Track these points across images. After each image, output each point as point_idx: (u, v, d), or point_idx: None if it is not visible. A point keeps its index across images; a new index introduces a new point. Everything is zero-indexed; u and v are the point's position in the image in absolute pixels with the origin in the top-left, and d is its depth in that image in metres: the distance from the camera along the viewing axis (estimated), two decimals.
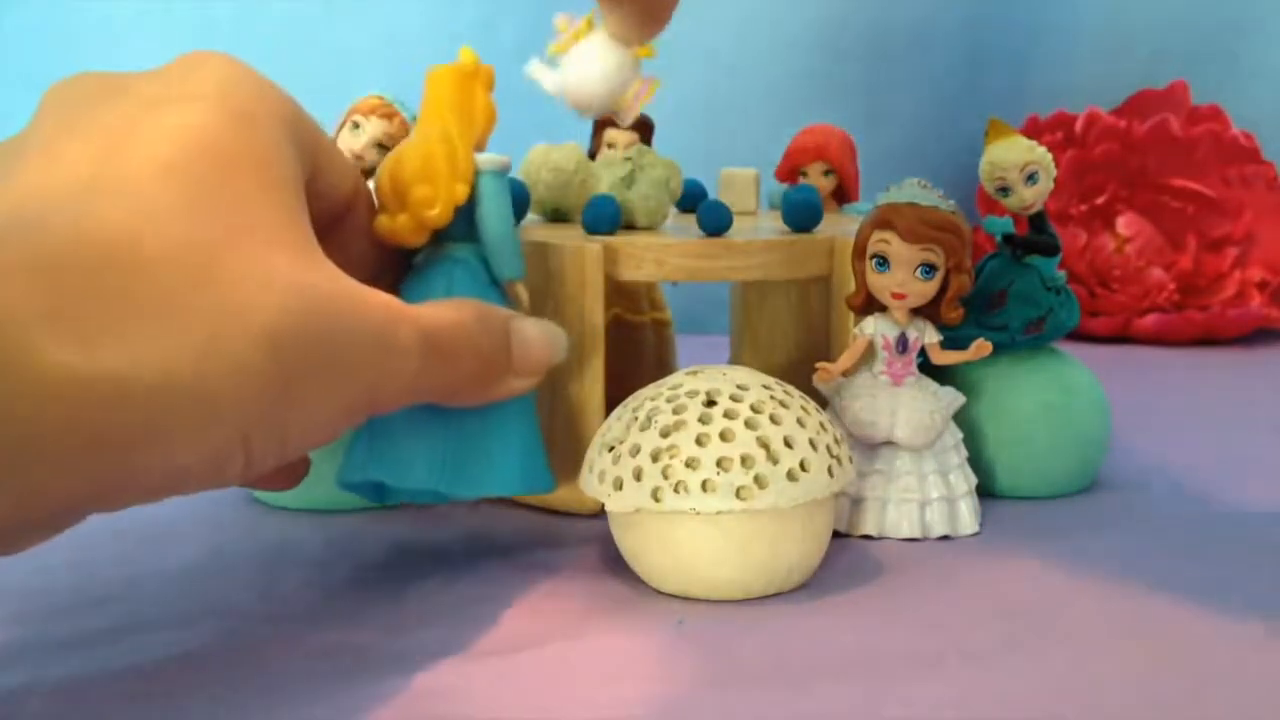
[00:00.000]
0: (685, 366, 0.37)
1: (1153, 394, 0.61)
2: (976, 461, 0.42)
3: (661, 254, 0.40)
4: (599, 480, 0.34)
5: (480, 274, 0.36)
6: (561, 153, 0.45)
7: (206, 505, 0.42)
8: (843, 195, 0.54)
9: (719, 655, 0.30)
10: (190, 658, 0.30)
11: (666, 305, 0.53)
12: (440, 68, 0.36)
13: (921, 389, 0.39)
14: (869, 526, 0.39)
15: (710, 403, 0.33)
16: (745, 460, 0.32)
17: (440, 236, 0.36)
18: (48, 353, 0.22)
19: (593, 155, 0.50)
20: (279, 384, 0.26)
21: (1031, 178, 0.41)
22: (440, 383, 0.32)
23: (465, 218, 0.36)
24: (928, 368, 0.40)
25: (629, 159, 0.43)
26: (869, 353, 0.40)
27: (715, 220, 0.41)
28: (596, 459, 0.34)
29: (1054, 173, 0.42)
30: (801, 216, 0.43)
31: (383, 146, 0.42)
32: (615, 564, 0.36)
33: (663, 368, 0.52)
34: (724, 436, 0.33)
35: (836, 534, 0.37)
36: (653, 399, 0.34)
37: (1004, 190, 0.42)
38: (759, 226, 0.45)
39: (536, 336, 0.35)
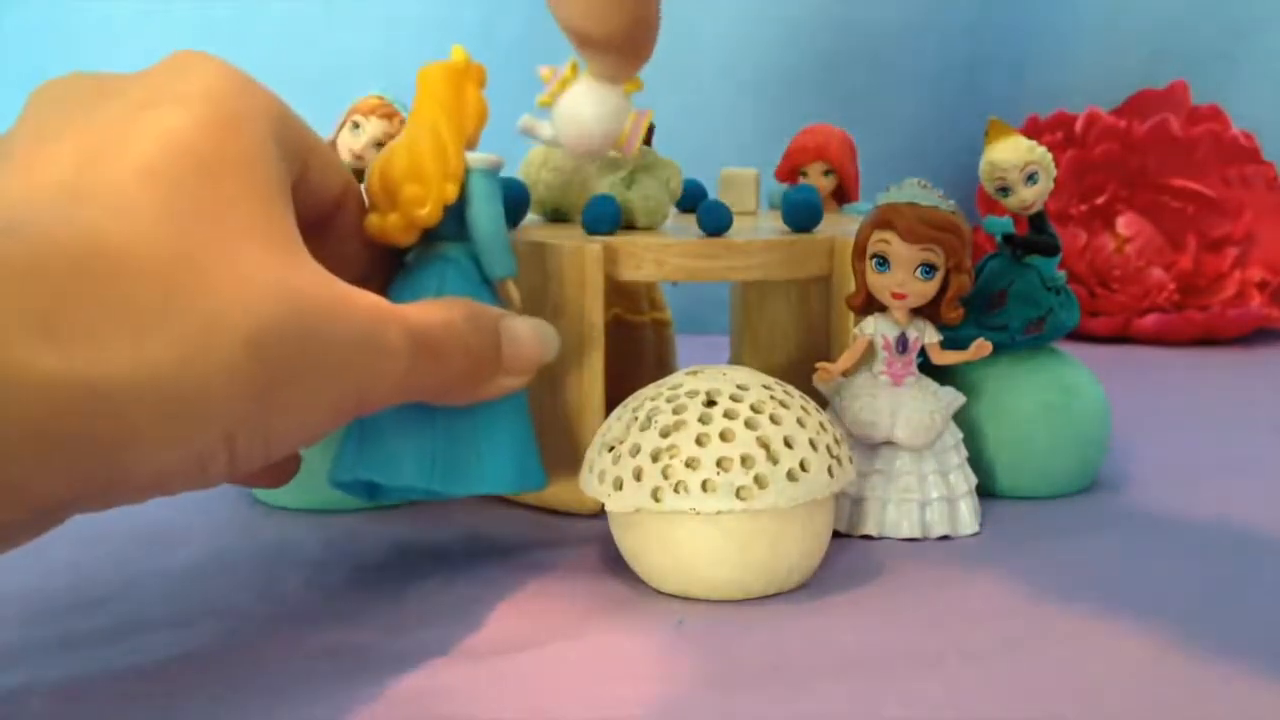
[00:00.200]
0: (685, 366, 0.37)
1: (1153, 394, 0.61)
2: (976, 461, 0.42)
3: (661, 254, 0.40)
4: (599, 480, 0.34)
5: (471, 273, 0.36)
6: (561, 153, 0.45)
7: (206, 505, 0.43)
8: (843, 195, 0.54)
9: (719, 655, 0.30)
10: (190, 658, 0.30)
11: (666, 305, 0.53)
12: (432, 65, 0.35)
13: (921, 389, 0.39)
14: (869, 526, 0.39)
15: (710, 403, 0.33)
16: (745, 460, 0.32)
17: (431, 235, 0.36)
18: (22, 355, 0.22)
19: None
20: (263, 385, 0.26)
21: (1031, 178, 0.41)
22: (430, 382, 0.32)
23: (456, 217, 0.35)
24: (928, 368, 0.40)
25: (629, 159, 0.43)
26: (869, 353, 0.40)
27: (715, 220, 0.41)
28: (596, 459, 0.34)
29: (1054, 173, 0.42)
30: (801, 216, 0.43)
31: (383, 146, 0.42)
32: (615, 564, 0.36)
33: (663, 368, 0.52)
34: (724, 436, 0.33)
35: (836, 534, 0.37)
36: (653, 399, 0.34)
37: (1004, 190, 0.42)
38: (759, 226, 0.45)
39: (527, 335, 0.35)
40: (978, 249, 0.40)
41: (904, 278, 0.38)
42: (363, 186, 0.36)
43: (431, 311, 0.32)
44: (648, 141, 0.50)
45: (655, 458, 0.33)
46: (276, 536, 0.39)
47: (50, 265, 0.23)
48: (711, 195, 0.49)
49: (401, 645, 0.31)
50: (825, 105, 0.79)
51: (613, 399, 0.38)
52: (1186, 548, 0.38)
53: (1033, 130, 0.81)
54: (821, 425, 0.34)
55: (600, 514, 0.39)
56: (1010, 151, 0.41)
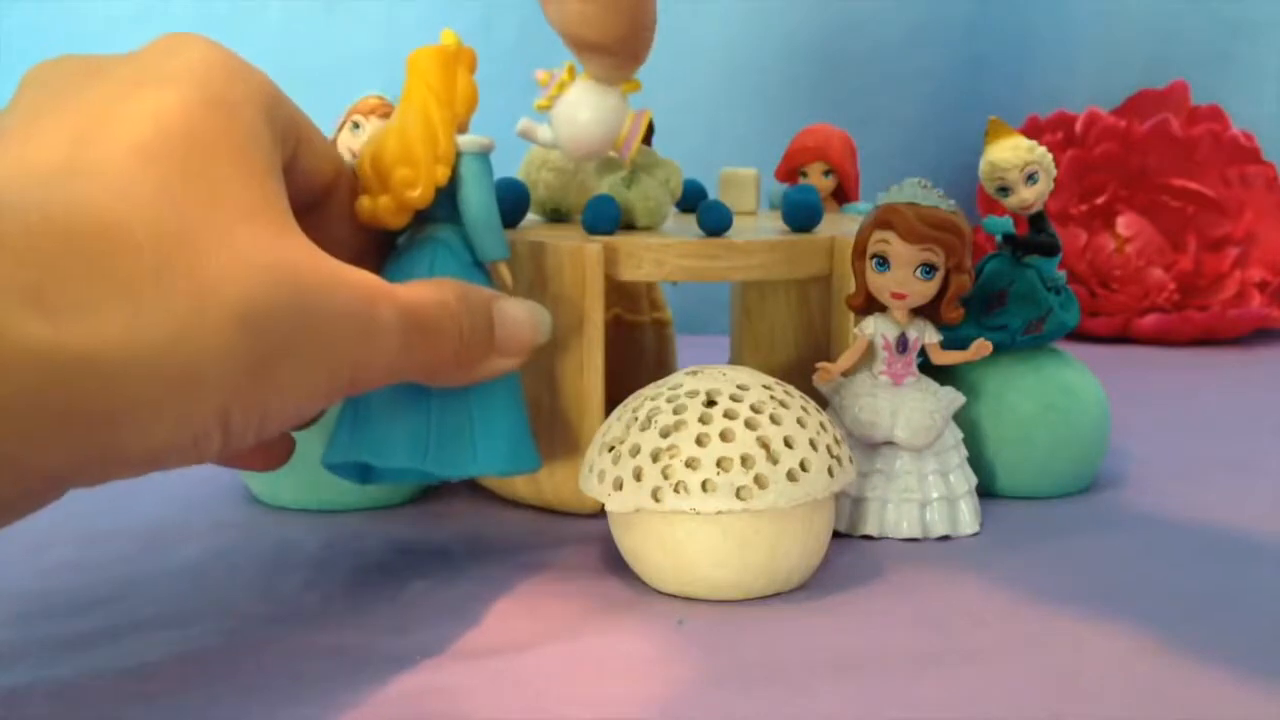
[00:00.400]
0: (685, 366, 0.37)
1: (1153, 394, 0.61)
2: (976, 461, 0.42)
3: (661, 254, 0.40)
4: (599, 480, 0.34)
5: (463, 255, 0.36)
6: (560, 153, 0.45)
7: (206, 505, 0.43)
8: (843, 195, 0.54)
9: (719, 655, 0.30)
10: (190, 658, 0.30)
11: (666, 305, 0.53)
12: (422, 49, 0.35)
13: (922, 389, 0.39)
14: (869, 526, 0.39)
15: (710, 403, 0.33)
16: (745, 460, 0.32)
17: (422, 218, 0.36)
18: (15, 325, 0.22)
19: None
20: (256, 361, 0.26)
21: (1031, 178, 0.41)
22: (422, 361, 0.32)
23: (447, 199, 0.35)
24: (928, 368, 0.40)
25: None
26: (869, 353, 0.40)
27: (715, 220, 0.41)
28: (596, 459, 0.34)
29: (1054, 173, 0.42)
30: (801, 216, 0.43)
31: None
32: (615, 564, 0.36)
33: (663, 368, 0.52)
34: (724, 436, 0.33)
35: (836, 534, 0.37)
36: (653, 399, 0.34)
37: (1004, 190, 0.42)
38: (759, 226, 0.45)
39: (520, 316, 0.35)
40: (978, 249, 0.40)
41: (904, 278, 0.38)
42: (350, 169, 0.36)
43: (424, 291, 0.32)
44: (647, 141, 0.50)
45: (655, 458, 0.33)
46: (276, 536, 0.39)
47: (44, 238, 0.23)
48: (711, 195, 0.49)
49: (401, 645, 0.31)
50: (825, 105, 0.79)
51: (613, 399, 0.38)
52: (1186, 548, 0.38)
53: (1033, 130, 0.81)
54: (822, 425, 0.34)
55: (600, 514, 0.39)
56: (1010, 151, 0.41)
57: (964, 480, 0.40)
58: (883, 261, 0.38)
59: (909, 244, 0.37)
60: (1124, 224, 0.79)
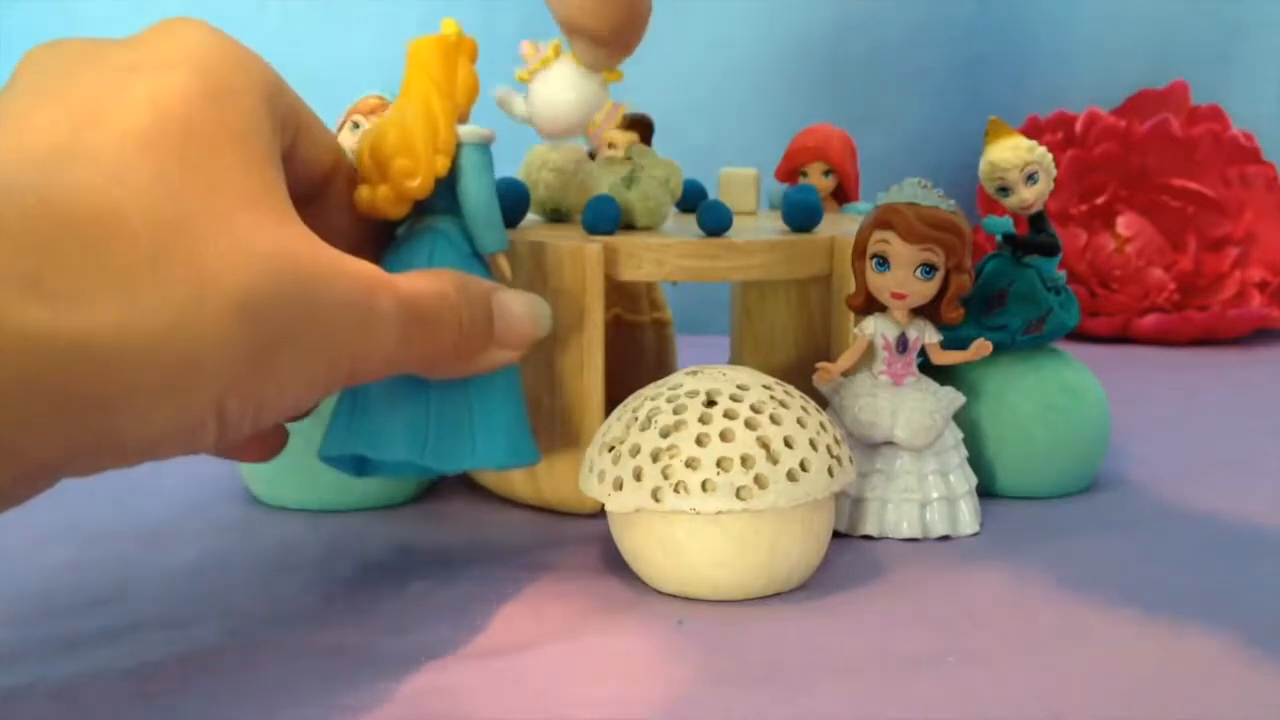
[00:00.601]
0: (685, 366, 0.37)
1: (1153, 394, 0.61)
2: (976, 461, 0.42)
3: (661, 254, 0.40)
4: (599, 480, 0.34)
5: (462, 246, 0.36)
6: (561, 153, 0.45)
7: (206, 505, 0.43)
8: (843, 195, 0.54)
9: (719, 655, 0.30)
10: (190, 658, 0.30)
11: (666, 305, 0.53)
12: (422, 39, 0.35)
13: (922, 389, 0.39)
14: (869, 526, 0.39)
15: (710, 403, 0.33)
16: (745, 460, 0.32)
17: (421, 209, 0.35)
18: (12, 311, 0.22)
19: (593, 155, 0.50)
20: (253, 350, 0.26)
21: (1031, 178, 0.41)
22: (422, 352, 0.32)
23: (447, 190, 0.35)
24: (928, 368, 0.40)
25: (629, 159, 0.43)
26: (869, 353, 0.40)
27: (715, 220, 0.41)
28: (596, 459, 0.34)
29: (1054, 173, 0.42)
30: (801, 216, 0.43)
31: None
32: (615, 564, 0.36)
33: (663, 368, 0.52)
34: (724, 436, 0.33)
35: (836, 534, 0.37)
36: (653, 399, 0.34)
37: (1004, 190, 0.42)
38: (759, 226, 0.45)
39: (520, 308, 0.34)
40: (978, 249, 0.40)
41: (904, 278, 0.38)
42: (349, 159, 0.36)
43: (423, 281, 0.32)
44: (647, 141, 0.50)
45: (655, 458, 0.33)
46: (276, 536, 0.39)
47: (41, 223, 0.23)
48: (711, 195, 0.49)
49: (401, 645, 0.31)
50: (825, 105, 0.79)
51: (613, 399, 0.38)
52: (1186, 547, 0.38)
53: (1033, 130, 0.81)
54: (821, 425, 0.34)
55: (600, 514, 0.39)
56: (1010, 151, 0.41)
57: (964, 480, 0.40)
58: (883, 261, 0.38)
59: (909, 244, 0.37)
60: (1124, 224, 0.79)
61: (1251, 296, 0.78)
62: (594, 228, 0.41)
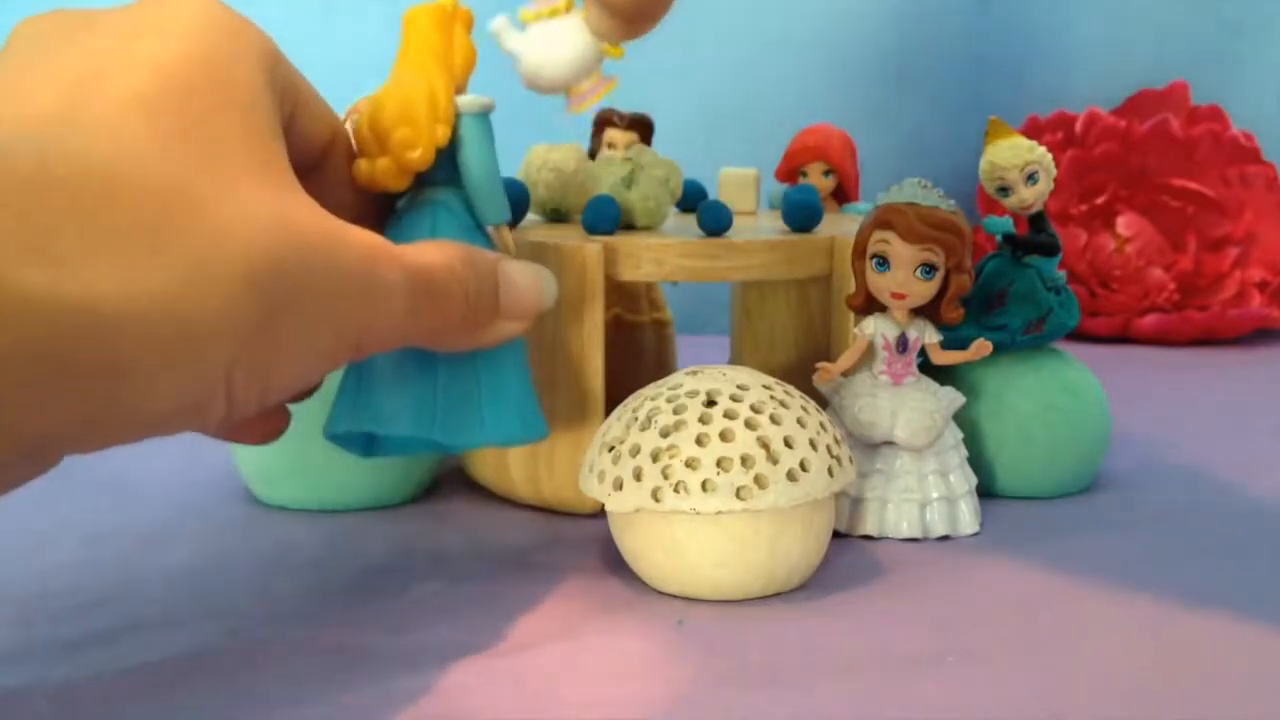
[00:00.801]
0: (685, 366, 0.37)
1: (1153, 394, 0.61)
2: (976, 461, 0.42)
3: (661, 254, 0.40)
4: (599, 480, 0.34)
5: (464, 218, 0.35)
6: (561, 153, 0.45)
7: (206, 505, 0.43)
8: (843, 195, 0.54)
9: (719, 655, 0.30)
10: (190, 658, 0.30)
11: (666, 305, 0.53)
12: (418, 8, 0.35)
13: (922, 389, 0.39)
14: (869, 526, 0.39)
15: (710, 403, 0.33)
16: (745, 460, 0.32)
17: (422, 180, 0.35)
18: (14, 274, 0.21)
19: (593, 155, 0.50)
20: (260, 319, 0.25)
21: (1031, 178, 0.41)
22: (429, 324, 0.31)
23: (447, 161, 0.35)
24: (928, 368, 0.40)
25: (629, 159, 0.43)
26: (869, 353, 0.40)
27: (715, 220, 0.41)
28: (596, 459, 0.34)
29: (1054, 173, 0.42)
30: (801, 216, 0.43)
31: None
32: (615, 564, 0.36)
33: (663, 368, 0.52)
34: (724, 436, 0.33)
35: (836, 534, 0.37)
36: (653, 399, 0.34)
37: (1004, 190, 0.42)
38: (759, 226, 0.45)
39: (525, 279, 0.34)
40: (978, 249, 0.40)
41: (904, 278, 0.38)
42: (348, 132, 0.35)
43: (429, 253, 0.31)
44: (647, 141, 0.50)
45: (655, 458, 0.33)
46: (276, 536, 0.39)
47: (41, 188, 0.23)
48: (711, 195, 0.49)
49: (401, 645, 0.31)
50: (826, 105, 0.79)
51: (613, 399, 0.38)
52: (1186, 547, 0.38)
53: (1033, 130, 0.81)
54: (821, 425, 0.34)
55: (600, 514, 0.39)
56: (1010, 151, 0.41)
57: (964, 480, 0.40)
58: (883, 261, 0.38)
59: (909, 244, 0.37)
60: (1124, 224, 0.79)
61: (1251, 296, 0.78)
62: (594, 228, 0.41)
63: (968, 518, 0.39)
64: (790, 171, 0.54)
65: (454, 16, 0.35)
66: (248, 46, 0.29)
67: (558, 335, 0.39)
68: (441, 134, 0.34)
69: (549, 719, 0.27)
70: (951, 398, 0.40)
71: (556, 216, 0.46)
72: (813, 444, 0.33)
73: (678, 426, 0.33)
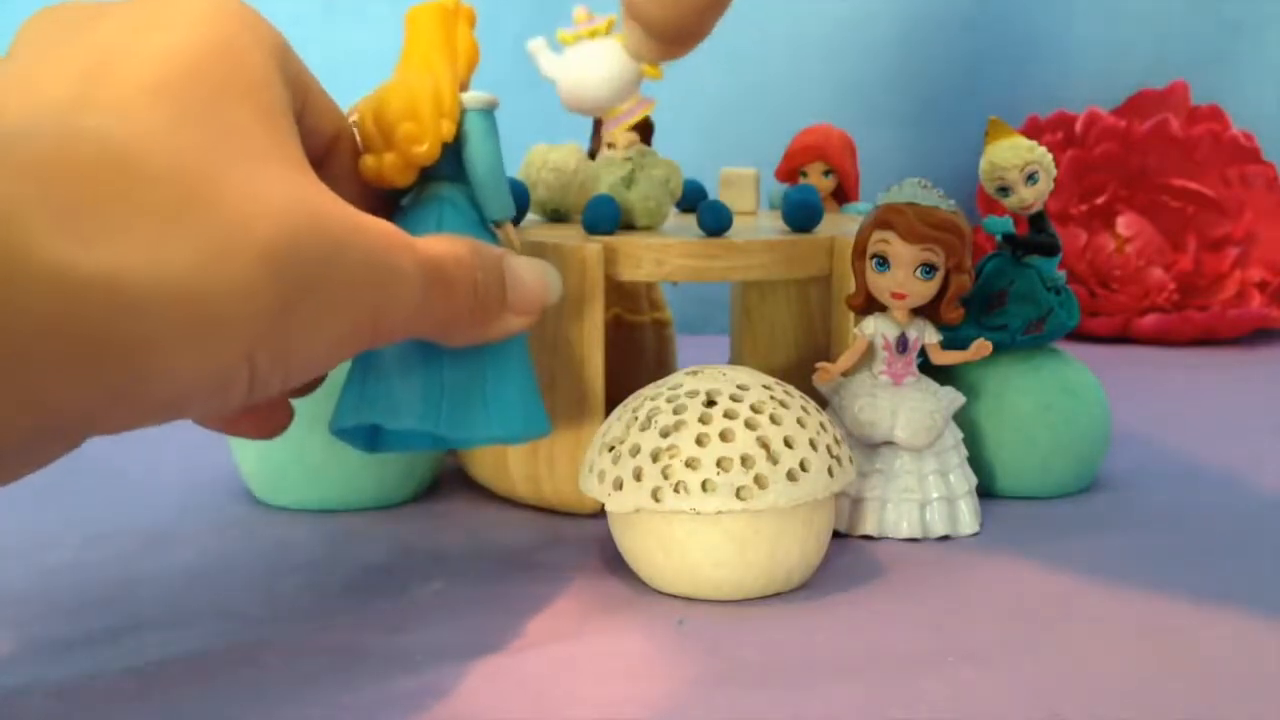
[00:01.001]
0: (685, 366, 0.37)
1: (1153, 394, 0.61)
2: (976, 461, 0.42)
3: (661, 254, 0.40)
4: (599, 480, 0.34)
5: (469, 214, 0.35)
6: (561, 153, 0.45)
7: (207, 506, 0.43)
8: (843, 195, 0.54)
9: (719, 655, 0.30)
10: (190, 658, 0.30)
11: (666, 305, 0.53)
12: (421, 6, 0.35)
13: (922, 389, 0.39)
14: (869, 526, 0.39)
15: (710, 403, 0.33)
16: (745, 460, 0.32)
17: (427, 176, 0.35)
18: (46, 246, 0.21)
19: (593, 155, 0.50)
20: (282, 301, 0.25)
21: (1031, 178, 0.41)
22: (440, 315, 0.31)
23: (453, 157, 0.35)
24: (928, 368, 0.40)
25: (629, 159, 0.43)
26: (869, 353, 0.40)
27: (715, 220, 0.41)
28: (596, 459, 0.34)
29: (1054, 173, 0.42)
30: (801, 216, 0.43)
31: None
32: (615, 564, 0.36)
33: (663, 368, 0.52)
34: (724, 436, 0.33)
35: (836, 534, 0.37)
36: (653, 399, 0.34)
37: (1004, 190, 0.42)
38: (759, 226, 0.45)
39: (531, 274, 0.34)
40: (978, 249, 0.40)
41: (904, 278, 0.38)
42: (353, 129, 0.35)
43: (439, 244, 0.31)
44: (647, 141, 0.50)
45: (655, 458, 0.33)
46: (276, 536, 0.39)
47: (66, 165, 0.23)
48: (711, 195, 0.49)
49: (401, 645, 0.31)
50: (825, 105, 0.79)
51: (613, 399, 0.38)
52: (1186, 547, 0.38)
53: (1033, 130, 0.81)
54: (821, 425, 0.34)
55: (600, 514, 0.39)
56: (1010, 151, 0.41)
57: (964, 480, 0.40)
58: (883, 261, 0.38)
59: (909, 244, 0.37)
60: (1124, 224, 0.79)
61: (1251, 296, 0.78)
62: (594, 228, 0.41)
63: (968, 518, 0.39)
64: (790, 171, 0.54)
65: (457, 13, 0.35)
66: (259, 37, 0.29)
67: (558, 335, 0.39)
68: (447, 129, 0.34)
69: (549, 719, 0.27)
70: (951, 398, 0.40)
71: (556, 216, 0.46)
72: (813, 444, 0.33)
73: (678, 426, 0.33)
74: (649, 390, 0.35)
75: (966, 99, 0.83)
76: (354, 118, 0.35)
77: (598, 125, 0.50)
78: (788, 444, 0.33)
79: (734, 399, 0.33)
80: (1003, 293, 0.43)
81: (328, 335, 0.27)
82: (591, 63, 0.36)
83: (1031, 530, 0.40)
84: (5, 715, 0.27)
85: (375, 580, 0.36)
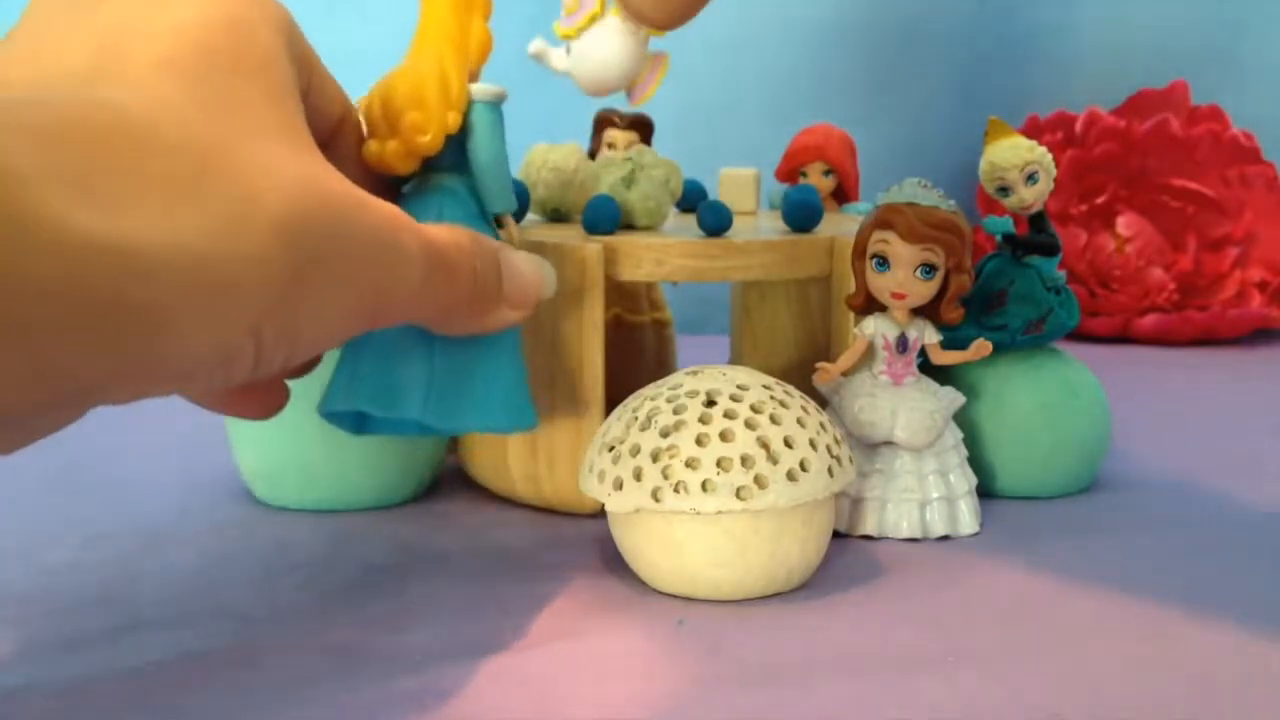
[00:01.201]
0: (685, 366, 0.37)
1: (1153, 394, 0.61)
2: (976, 461, 0.42)
3: (661, 254, 0.40)
4: (599, 480, 0.34)
5: (470, 205, 0.35)
6: (561, 153, 0.45)
7: (206, 505, 0.43)
8: (843, 195, 0.54)
9: (719, 655, 0.30)
10: (190, 658, 0.30)
11: (666, 305, 0.53)
12: None
13: (921, 389, 0.39)
14: (869, 526, 0.39)
15: (710, 403, 0.33)
16: (745, 460, 0.32)
17: (430, 165, 0.35)
18: (60, 211, 0.21)
19: (593, 155, 0.50)
20: (290, 275, 0.25)
21: (1031, 178, 0.41)
22: (441, 300, 0.32)
23: (457, 147, 0.35)
24: (928, 368, 0.40)
25: (629, 159, 0.43)
26: (869, 353, 0.40)
27: (715, 220, 0.41)
28: (596, 459, 0.34)
29: (1054, 173, 0.42)
30: (801, 216, 0.43)
31: None
32: (615, 564, 0.36)
33: (663, 368, 0.52)
34: (724, 437, 0.33)
35: (836, 534, 0.37)
36: (653, 399, 0.34)
37: (1004, 190, 0.42)
38: (759, 226, 0.45)
39: (527, 268, 0.34)
40: (978, 249, 0.40)
41: (904, 278, 0.38)
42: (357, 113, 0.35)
43: (440, 231, 0.32)
44: (647, 141, 0.50)
45: (655, 458, 0.33)
46: (276, 536, 0.39)
47: (82, 132, 0.23)
48: (711, 195, 0.49)
49: (402, 645, 0.31)
50: (826, 105, 0.79)
51: (613, 399, 0.38)
52: (1186, 548, 0.38)
53: (1033, 130, 0.81)
54: (821, 425, 0.34)
55: (600, 514, 0.39)
56: (1010, 151, 0.41)
57: (964, 480, 0.40)
58: (883, 261, 0.38)
59: (909, 244, 0.37)
60: (1124, 224, 0.79)
61: (1251, 296, 0.78)
62: (594, 228, 0.41)
63: (967, 518, 0.39)
64: (790, 171, 0.54)
65: (472, 3, 0.35)
66: (267, 14, 0.29)
67: (558, 335, 0.39)
68: (453, 120, 0.34)
69: (549, 719, 0.27)
70: (951, 398, 0.40)
71: (556, 216, 0.46)
72: (813, 444, 0.33)
73: (678, 426, 0.33)
74: (649, 390, 0.35)
75: (966, 99, 0.83)
76: (364, 100, 0.35)
77: (598, 125, 0.50)
78: (788, 444, 0.33)
79: (734, 399, 0.33)
80: (1003, 293, 0.43)
81: (332, 311, 0.28)
82: (600, 47, 0.36)
83: (1031, 530, 0.40)
84: (5, 715, 0.27)
85: (375, 580, 0.36)
